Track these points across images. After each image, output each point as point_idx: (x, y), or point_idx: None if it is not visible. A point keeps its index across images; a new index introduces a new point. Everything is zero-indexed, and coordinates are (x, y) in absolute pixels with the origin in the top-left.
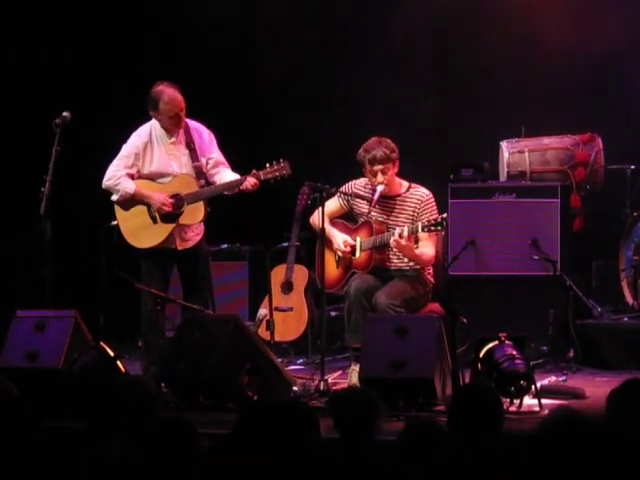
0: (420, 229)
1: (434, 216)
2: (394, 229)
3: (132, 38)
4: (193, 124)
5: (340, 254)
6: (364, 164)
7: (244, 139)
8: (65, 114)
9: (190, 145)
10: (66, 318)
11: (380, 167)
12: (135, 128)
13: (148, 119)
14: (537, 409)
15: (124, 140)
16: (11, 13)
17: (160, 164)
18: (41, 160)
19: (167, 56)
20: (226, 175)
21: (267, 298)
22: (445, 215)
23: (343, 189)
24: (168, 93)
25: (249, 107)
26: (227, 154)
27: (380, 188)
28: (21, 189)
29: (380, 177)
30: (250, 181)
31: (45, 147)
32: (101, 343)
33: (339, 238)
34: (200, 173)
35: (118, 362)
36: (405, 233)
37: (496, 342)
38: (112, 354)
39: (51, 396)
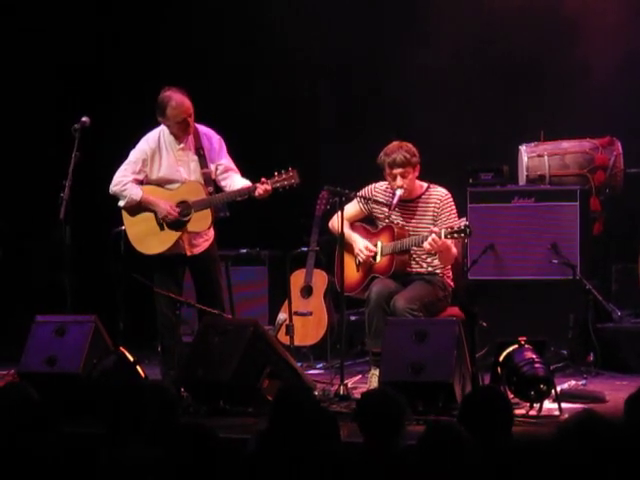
0: (443, 236)
1: (453, 216)
2: (415, 232)
3: (148, 44)
4: (203, 129)
5: (361, 260)
6: (384, 167)
7: (253, 146)
8: (84, 119)
9: (199, 151)
10: (86, 323)
11: (400, 170)
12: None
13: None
14: (557, 413)
15: (134, 145)
16: (29, 18)
17: (168, 170)
18: (61, 165)
19: (181, 62)
20: (236, 181)
21: (287, 302)
22: (468, 223)
23: (362, 193)
24: (176, 98)
25: (258, 113)
26: (236, 161)
27: (399, 192)
28: (41, 194)
29: (399, 181)
30: (262, 188)
31: (64, 152)
32: (121, 348)
33: (360, 243)
34: (209, 179)
35: (138, 367)
36: (443, 235)
37: (516, 346)
38: (132, 359)
39: (71, 401)
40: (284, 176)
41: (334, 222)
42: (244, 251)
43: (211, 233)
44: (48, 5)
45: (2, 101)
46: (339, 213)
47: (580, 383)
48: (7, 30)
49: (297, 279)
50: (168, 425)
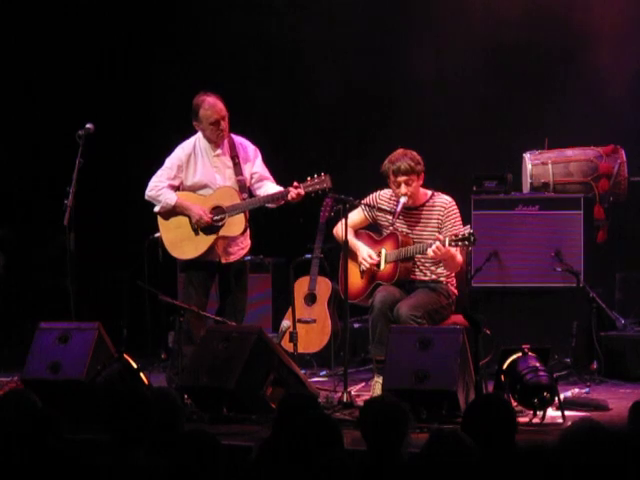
0: (447, 244)
1: (458, 223)
2: (419, 240)
3: (163, 51)
4: (238, 139)
5: (364, 267)
6: (388, 175)
7: (287, 153)
8: (88, 126)
9: (235, 159)
10: (89, 330)
11: (404, 178)
12: (160, 140)
13: (176, 132)
14: (560, 421)
15: (155, 151)
16: (36, 25)
17: (204, 176)
18: (65, 172)
19: (190, 72)
20: (270, 188)
21: (290, 310)
22: (472, 231)
23: (367, 200)
24: (209, 100)
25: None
26: (271, 168)
27: (403, 200)
28: (44, 201)
29: (404, 188)
30: (294, 192)
31: (69, 159)
32: (124, 355)
33: (364, 251)
34: (244, 187)
35: (141, 374)
36: (447, 243)
37: (519, 354)
38: (135, 366)
39: (74, 408)
40: (317, 180)
41: (338, 229)
42: (248, 258)
43: (247, 242)
44: (54, 11)
45: (7, 108)
46: (344, 220)
47: (583, 391)
48: (14, 35)
49: (301, 286)
50: (172, 432)
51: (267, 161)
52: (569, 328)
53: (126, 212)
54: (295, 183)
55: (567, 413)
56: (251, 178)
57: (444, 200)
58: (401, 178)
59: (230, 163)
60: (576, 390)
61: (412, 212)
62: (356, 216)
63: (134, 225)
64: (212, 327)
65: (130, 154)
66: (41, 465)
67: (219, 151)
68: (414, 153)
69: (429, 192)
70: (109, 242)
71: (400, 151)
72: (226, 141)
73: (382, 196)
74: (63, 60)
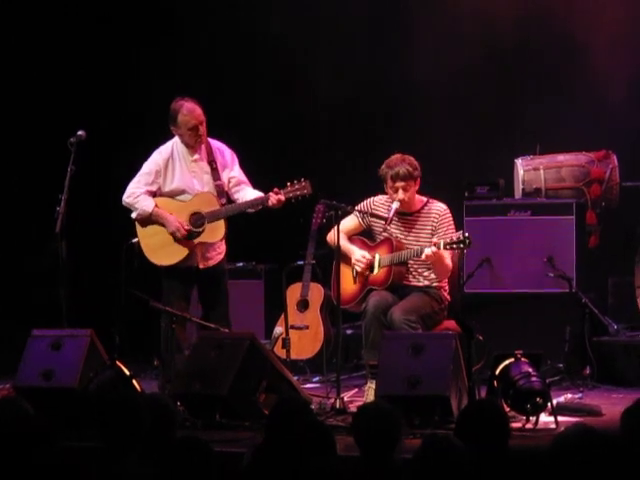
0: (442, 246)
1: (451, 230)
2: (413, 246)
3: (152, 56)
4: (215, 143)
5: (358, 269)
6: (386, 180)
7: (265, 158)
8: (80, 133)
9: (212, 164)
10: (82, 337)
11: (402, 184)
12: (151, 146)
13: (164, 138)
14: (553, 426)
15: (146, 158)
16: (27, 31)
17: (182, 181)
18: (57, 179)
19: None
20: (248, 193)
21: (283, 316)
22: (467, 234)
23: (361, 207)
24: (187, 106)
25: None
26: (248, 173)
27: (395, 205)
28: (37, 208)
29: (401, 194)
30: (275, 197)
31: (61, 166)
32: (117, 362)
33: (357, 253)
34: (221, 192)
35: (134, 381)
36: (442, 246)
37: (512, 359)
38: (128, 373)
39: (67, 415)
40: (297, 186)
41: (332, 235)
42: (240, 265)
43: (224, 247)
44: (46, 19)
45: None
46: (337, 227)
47: (576, 396)
48: (6, 41)
49: (293, 293)
50: (165, 439)
51: (265, 168)
52: (562, 333)
53: (118, 218)
54: (275, 189)
55: (560, 418)
56: (229, 182)
57: (439, 207)
58: (399, 184)
59: (208, 168)
60: (569, 395)
61: (407, 218)
62: (350, 222)
63: (125, 231)
64: (204, 334)
65: (122, 160)
66: (33, 473)
67: (197, 156)
68: (411, 158)
69: (424, 199)
70: (100, 249)
71: (398, 156)
72: (203, 146)
73: (376, 202)
74: (54, 67)
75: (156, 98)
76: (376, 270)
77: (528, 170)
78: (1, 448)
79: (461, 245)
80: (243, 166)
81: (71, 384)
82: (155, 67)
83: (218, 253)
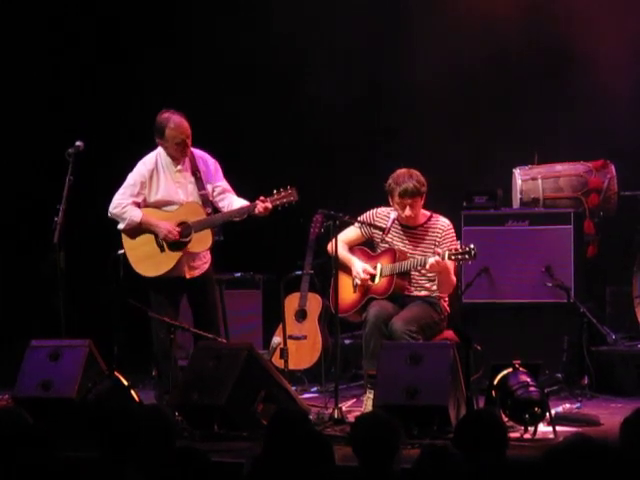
0: (447, 257)
1: (454, 246)
2: (415, 258)
3: (144, 66)
4: (198, 153)
5: (358, 282)
6: (392, 196)
7: (250, 166)
8: (78, 144)
9: (196, 173)
10: (80, 348)
11: (410, 201)
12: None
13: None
14: (552, 436)
15: (131, 169)
16: (25, 42)
17: (167, 192)
18: (55, 190)
19: (179, 85)
20: (233, 201)
21: (281, 326)
22: (472, 245)
23: (363, 218)
24: (174, 120)
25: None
26: (233, 182)
27: (393, 215)
28: (35, 218)
29: (408, 211)
30: (262, 205)
31: (59, 177)
32: (115, 372)
33: (358, 266)
34: (207, 201)
35: (132, 391)
36: (446, 257)
37: (510, 369)
38: (126, 383)
39: (65, 426)
40: (283, 194)
41: (332, 245)
42: (238, 275)
43: (209, 256)
44: (40, 28)
45: None
46: (337, 236)
47: (575, 406)
48: (4, 52)
49: (291, 303)
50: (163, 449)
51: (267, 177)
52: (560, 343)
53: (116, 229)
54: (262, 197)
55: (558, 428)
56: (213, 191)
57: (443, 223)
58: (407, 201)
59: (192, 178)
60: (567, 405)
61: (410, 231)
62: (352, 233)
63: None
64: (202, 344)
65: (119, 171)
66: None
67: (180, 166)
68: (418, 174)
69: (428, 213)
70: (98, 259)
71: (404, 171)
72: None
73: (379, 214)
74: (52, 78)
75: (155, 109)
76: (378, 279)
77: (526, 180)
78: (1, 458)
79: (466, 256)
80: (244, 176)
81: (69, 394)
82: (154, 79)
83: (204, 262)
